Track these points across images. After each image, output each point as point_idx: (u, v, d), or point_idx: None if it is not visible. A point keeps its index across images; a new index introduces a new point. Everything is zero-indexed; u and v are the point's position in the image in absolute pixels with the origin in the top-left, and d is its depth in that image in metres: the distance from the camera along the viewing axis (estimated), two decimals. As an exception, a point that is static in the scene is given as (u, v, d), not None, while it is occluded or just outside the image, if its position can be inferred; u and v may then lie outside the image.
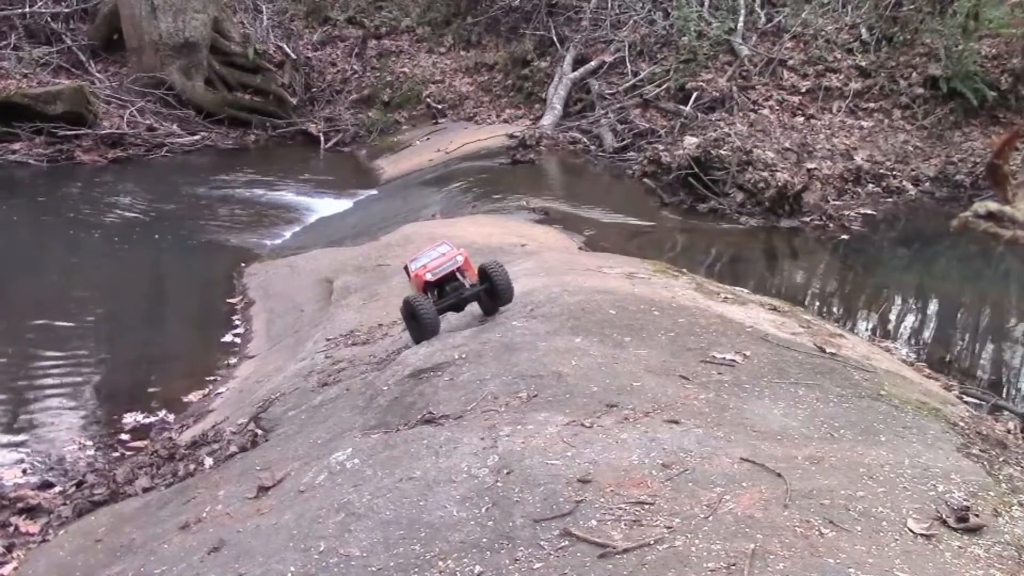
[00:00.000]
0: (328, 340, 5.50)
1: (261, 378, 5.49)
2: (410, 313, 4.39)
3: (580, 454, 2.93)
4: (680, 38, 13.38)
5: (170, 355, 6.59)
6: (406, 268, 4.69)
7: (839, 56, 13.08)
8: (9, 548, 3.85)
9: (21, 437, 5.24)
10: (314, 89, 15.49)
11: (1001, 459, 3.12)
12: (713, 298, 5.16)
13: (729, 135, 10.90)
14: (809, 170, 10.28)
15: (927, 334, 7.15)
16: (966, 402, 4.65)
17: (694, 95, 12.47)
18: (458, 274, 4.50)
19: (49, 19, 14.52)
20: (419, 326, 4.35)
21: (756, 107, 12.39)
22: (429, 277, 4.44)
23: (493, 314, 4.56)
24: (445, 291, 4.52)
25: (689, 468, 2.80)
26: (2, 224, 9.87)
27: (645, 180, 10.41)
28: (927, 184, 11.10)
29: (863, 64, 12.89)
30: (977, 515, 2.55)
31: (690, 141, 10.85)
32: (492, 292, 4.48)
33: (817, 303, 7.54)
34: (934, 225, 9.95)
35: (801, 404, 3.43)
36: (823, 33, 13.38)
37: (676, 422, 3.16)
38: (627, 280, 5.27)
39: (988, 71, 12.30)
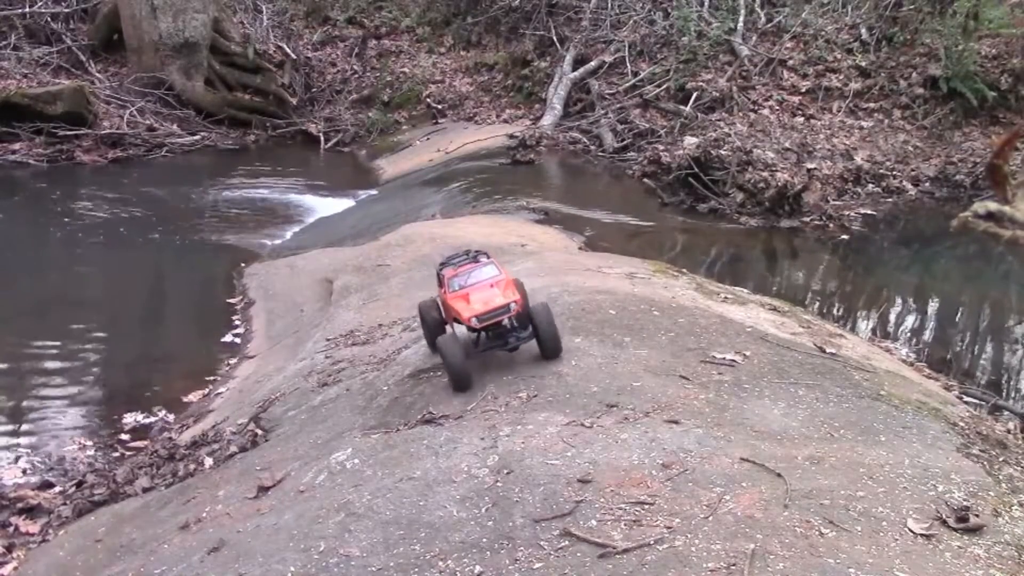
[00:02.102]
0: (328, 340, 5.50)
1: (261, 378, 5.49)
2: (437, 352, 3.83)
3: (580, 454, 2.93)
4: (680, 38, 13.40)
5: (170, 355, 6.59)
6: (440, 274, 4.01)
7: (839, 56, 13.09)
8: (9, 548, 3.86)
9: (21, 437, 5.24)
10: (314, 89, 15.51)
11: (1001, 459, 3.12)
12: (713, 298, 5.16)
13: (729, 135, 10.91)
14: (809, 170, 10.28)
15: (927, 334, 7.14)
16: (966, 402, 4.65)
17: (694, 95, 12.48)
18: (509, 320, 3.75)
19: (49, 19, 14.54)
20: (448, 376, 3.73)
21: (756, 107, 12.40)
22: (475, 323, 3.71)
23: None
24: (487, 332, 3.82)
25: (689, 468, 2.80)
26: (2, 224, 9.87)
27: (645, 180, 10.42)
28: (927, 184, 11.10)
29: (863, 64, 12.90)
30: (977, 515, 2.55)
31: (690, 141, 10.85)
32: (537, 342, 3.81)
33: (817, 303, 7.53)
34: (934, 225, 9.96)
35: (801, 404, 3.43)
36: (823, 33, 13.39)
37: (676, 422, 3.16)
38: (627, 280, 5.27)
39: (988, 71, 12.31)
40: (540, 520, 2.58)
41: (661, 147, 10.99)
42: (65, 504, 4.21)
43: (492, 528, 2.60)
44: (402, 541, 2.61)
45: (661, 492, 2.66)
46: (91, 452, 4.97)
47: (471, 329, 3.79)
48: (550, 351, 3.79)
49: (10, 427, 5.38)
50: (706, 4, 14.04)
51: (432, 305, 4.10)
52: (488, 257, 4.02)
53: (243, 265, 8.41)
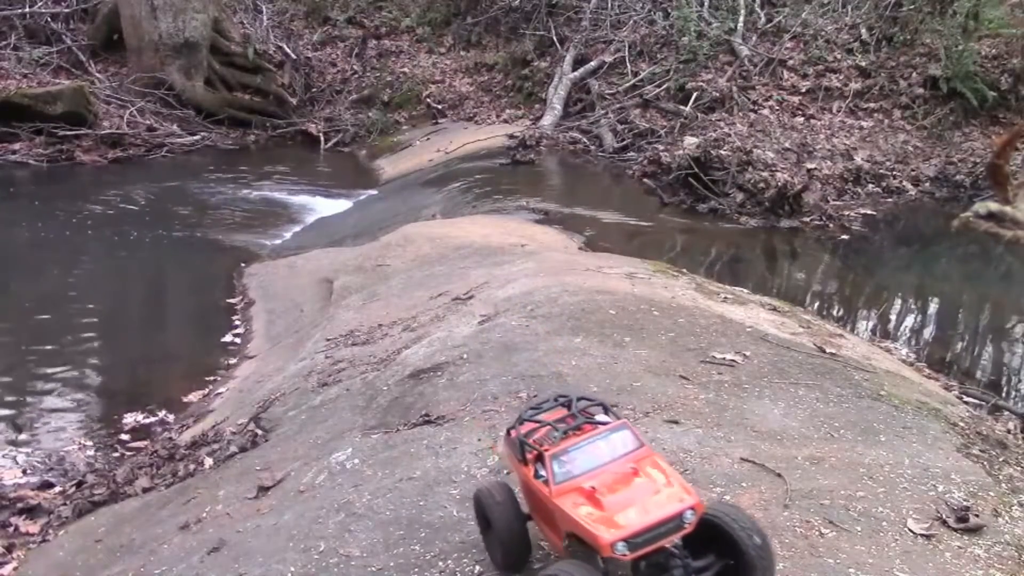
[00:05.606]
0: (328, 340, 5.50)
1: (261, 378, 5.49)
2: None
3: (580, 454, 2.93)
4: (680, 38, 13.40)
5: (170, 355, 6.59)
6: (519, 438, 2.17)
7: (839, 56, 13.10)
8: (9, 548, 3.85)
9: (21, 437, 5.24)
10: (314, 89, 15.51)
11: (1001, 459, 3.12)
12: (713, 298, 5.16)
13: (729, 135, 10.91)
14: (809, 170, 10.29)
15: (927, 334, 7.14)
16: (966, 402, 4.64)
17: (694, 95, 12.49)
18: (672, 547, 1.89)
19: (49, 19, 14.55)
20: None
21: (756, 107, 12.40)
22: (623, 552, 1.83)
23: None
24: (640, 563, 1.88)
25: (689, 468, 2.80)
26: (2, 224, 9.87)
27: (645, 180, 10.42)
28: (927, 184, 11.10)
29: (863, 64, 12.90)
30: (977, 515, 2.55)
31: (690, 141, 10.85)
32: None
33: (817, 303, 7.53)
34: (934, 225, 9.96)
35: (801, 404, 3.43)
36: (823, 33, 13.40)
37: (676, 422, 3.16)
38: (627, 280, 5.27)
39: (988, 71, 12.31)
40: (540, 520, 2.58)
41: (661, 147, 11.00)
42: (65, 504, 4.20)
43: (492, 528, 2.59)
44: (402, 541, 2.61)
45: (661, 492, 2.66)
46: (91, 452, 4.97)
47: (613, 561, 1.85)
48: None
49: (10, 427, 5.38)
50: (706, 4, 14.04)
51: (502, 495, 2.22)
52: (614, 415, 2.16)
53: (243, 265, 8.41)
